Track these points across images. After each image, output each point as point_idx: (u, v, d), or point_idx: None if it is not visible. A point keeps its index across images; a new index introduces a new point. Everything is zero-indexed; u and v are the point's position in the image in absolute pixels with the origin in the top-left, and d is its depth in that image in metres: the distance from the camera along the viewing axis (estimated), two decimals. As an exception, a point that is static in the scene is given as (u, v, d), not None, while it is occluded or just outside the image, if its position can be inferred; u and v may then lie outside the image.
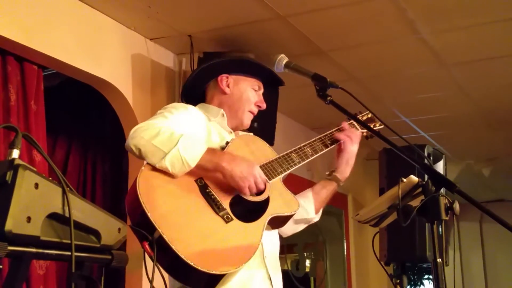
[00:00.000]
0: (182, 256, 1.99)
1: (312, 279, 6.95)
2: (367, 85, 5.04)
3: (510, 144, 7.03)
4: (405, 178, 2.07)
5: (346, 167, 2.67)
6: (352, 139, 2.66)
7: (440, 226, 1.88)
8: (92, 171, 4.55)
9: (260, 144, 2.53)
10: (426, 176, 1.96)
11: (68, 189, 1.61)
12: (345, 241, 7.13)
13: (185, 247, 2.02)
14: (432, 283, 1.89)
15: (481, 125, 6.29)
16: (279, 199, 2.37)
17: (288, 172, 2.47)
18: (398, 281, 3.96)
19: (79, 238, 1.62)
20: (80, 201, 1.67)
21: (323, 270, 6.99)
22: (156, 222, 2.02)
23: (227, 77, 2.59)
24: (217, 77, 2.60)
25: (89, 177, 4.52)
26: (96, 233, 1.70)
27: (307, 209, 2.63)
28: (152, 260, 1.97)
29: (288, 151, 2.51)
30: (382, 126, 2.82)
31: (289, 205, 2.40)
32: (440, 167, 4.32)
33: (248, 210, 2.26)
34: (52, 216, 1.57)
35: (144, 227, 2.04)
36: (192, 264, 2.00)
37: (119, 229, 1.77)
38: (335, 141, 2.66)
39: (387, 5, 3.72)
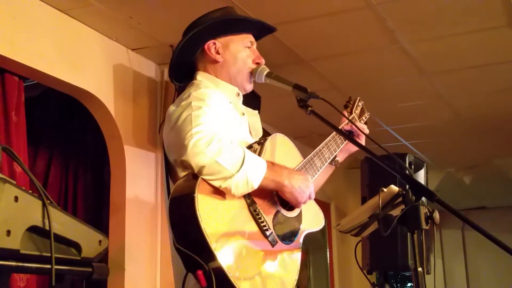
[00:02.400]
0: None
1: (295, 288, 6.95)
2: (349, 94, 4.97)
3: (491, 152, 7.09)
4: (385, 187, 2.09)
5: (347, 153, 2.70)
6: (365, 131, 2.66)
7: (420, 235, 1.90)
8: (74, 182, 4.51)
9: (288, 146, 2.44)
10: (407, 186, 1.98)
11: (49, 202, 1.61)
12: (328, 250, 7.15)
13: (244, 282, 1.97)
14: (413, 291, 1.89)
15: (462, 133, 6.34)
16: (309, 213, 2.36)
17: (313, 179, 2.42)
18: (380, 289, 3.98)
19: (59, 251, 1.61)
20: (60, 214, 1.66)
21: (307, 279, 6.99)
22: (216, 251, 1.92)
23: (214, 43, 2.44)
24: (203, 46, 2.44)
25: (70, 188, 4.48)
26: (77, 246, 1.69)
27: None
28: None
29: (311, 154, 2.45)
30: (369, 115, 2.88)
31: (317, 220, 2.41)
32: (421, 175, 4.37)
33: (287, 227, 2.24)
34: (32, 229, 1.56)
35: (198, 253, 1.93)
36: None
37: (100, 241, 1.76)
38: (349, 132, 2.64)
39: (367, 15, 3.75)
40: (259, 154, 2.25)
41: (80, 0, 3.50)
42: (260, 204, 2.16)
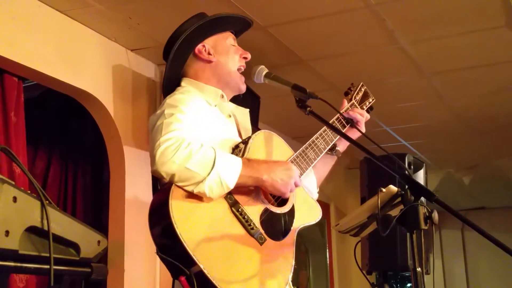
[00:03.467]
0: None
1: (295, 288, 6.95)
2: (348, 95, 5.07)
3: (490, 152, 7.09)
4: (384, 187, 2.09)
5: (347, 143, 2.66)
6: (364, 118, 2.65)
7: (419, 235, 1.90)
8: (73, 182, 4.51)
9: (276, 141, 2.40)
10: (406, 186, 1.98)
11: (47, 202, 1.61)
12: (327, 250, 7.14)
13: (228, 283, 1.95)
14: (413, 292, 1.89)
15: (461, 133, 6.34)
16: (303, 206, 2.34)
17: (307, 171, 2.41)
18: (380, 290, 3.98)
19: (58, 251, 1.62)
20: (59, 214, 1.66)
21: (306, 280, 6.99)
22: (195, 256, 1.91)
23: (203, 45, 2.44)
24: (193, 52, 2.45)
25: (69, 189, 4.48)
26: (75, 246, 1.69)
27: (311, 190, 2.58)
28: None
29: (303, 147, 2.43)
30: (374, 100, 2.85)
31: (312, 212, 2.38)
32: (420, 175, 4.37)
33: (277, 223, 2.23)
34: (31, 230, 1.57)
35: (179, 259, 1.93)
36: None
37: (99, 241, 1.76)
38: (349, 121, 2.60)
39: (366, 15, 3.75)
40: (243, 153, 2.22)
41: (79, 0, 3.50)
42: (245, 203, 2.13)
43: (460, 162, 7.70)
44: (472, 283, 9.70)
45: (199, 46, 2.44)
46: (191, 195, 2.01)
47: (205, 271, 1.91)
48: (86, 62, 3.84)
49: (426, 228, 1.88)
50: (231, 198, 2.10)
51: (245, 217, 2.10)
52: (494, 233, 1.82)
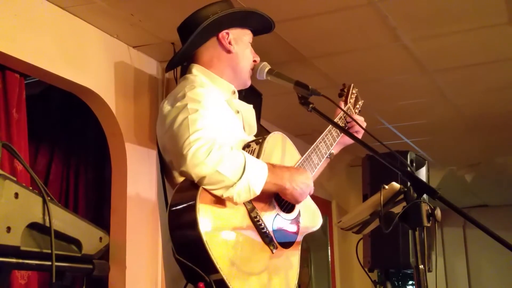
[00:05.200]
0: None
1: (297, 286, 6.94)
2: (350, 92, 5.06)
3: (493, 150, 7.09)
4: (387, 184, 2.08)
5: (342, 146, 2.68)
6: (362, 124, 2.63)
7: (422, 232, 1.89)
8: (75, 179, 4.51)
9: (288, 144, 2.40)
10: (408, 183, 1.97)
11: (49, 198, 1.60)
12: (329, 247, 7.14)
13: None
14: (415, 289, 1.89)
15: (464, 131, 6.33)
16: (307, 212, 2.35)
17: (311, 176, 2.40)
18: (382, 287, 3.97)
19: (59, 247, 1.61)
20: (60, 211, 1.66)
21: (308, 277, 6.99)
22: (218, 264, 1.88)
23: (228, 34, 2.40)
24: (217, 35, 2.39)
25: (71, 186, 4.48)
26: (77, 243, 1.69)
27: None
28: None
29: (309, 151, 2.42)
30: (362, 102, 2.84)
31: (314, 218, 2.40)
32: (423, 173, 4.36)
33: (285, 230, 2.23)
34: (33, 226, 1.56)
35: (199, 265, 1.89)
36: None
37: (101, 238, 1.76)
38: (346, 134, 2.55)
39: (369, 12, 3.74)
40: (258, 155, 2.20)
41: (81, -3, 3.50)
42: (260, 208, 2.12)
43: (462, 160, 7.69)
44: (474, 281, 9.70)
45: (223, 33, 2.40)
46: (217, 200, 1.97)
47: (226, 281, 1.89)
48: (88, 59, 3.84)
49: (428, 225, 1.88)
50: (249, 203, 2.08)
51: (262, 224, 2.09)
52: (496, 231, 1.81)
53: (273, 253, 2.11)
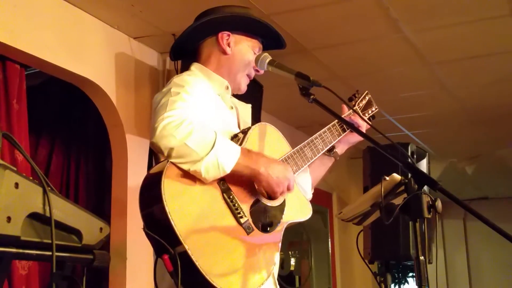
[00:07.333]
0: (208, 278, 1.90)
1: (297, 277, 6.96)
2: (351, 84, 5.05)
3: (493, 142, 7.08)
4: (388, 176, 2.08)
5: (347, 145, 2.67)
6: (361, 128, 2.61)
7: (422, 224, 1.89)
8: (76, 170, 4.51)
9: (275, 135, 2.39)
10: (409, 174, 1.97)
11: (49, 188, 1.60)
12: (329, 239, 7.15)
13: (211, 268, 1.93)
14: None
15: (464, 123, 6.33)
16: (294, 203, 2.32)
17: (302, 169, 2.40)
18: (382, 279, 3.98)
19: (60, 237, 1.61)
20: (61, 201, 1.66)
21: (308, 269, 7.00)
22: (182, 236, 1.89)
23: (228, 35, 2.43)
24: (217, 34, 2.43)
25: (72, 177, 4.48)
26: (78, 233, 1.69)
27: (305, 189, 2.56)
28: (172, 276, 1.88)
29: (301, 144, 2.42)
30: (377, 109, 2.82)
31: (303, 210, 2.37)
32: (423, 165, 4.35)
33: (266, 215, 2.21)
34: (33, 216, 1.56)
35: (165, 237, 1.91)
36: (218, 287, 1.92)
37: (101, 228, 1.76)
38: (348, 125, 2.55)
39: (370, 4, 3.73)
40: (241, 142, 2.21)
41: (82, -13, 3.49)
42: (236, 191, 2.11)
43: (463, 152, 7.69)
44: (474, 272, 9.72)
45: (224, 33, 2.43)
46: (185, 175, 1.99)
47: (189, 252, 1.89)
48: (88, 50, 3.83)
49: (429, 216, 1.88)
50: (224, 184, 2.09)
51: (236, 204, 2.09)
52: (496, 223, 1.81)
53: (248, 234, 2.09)
